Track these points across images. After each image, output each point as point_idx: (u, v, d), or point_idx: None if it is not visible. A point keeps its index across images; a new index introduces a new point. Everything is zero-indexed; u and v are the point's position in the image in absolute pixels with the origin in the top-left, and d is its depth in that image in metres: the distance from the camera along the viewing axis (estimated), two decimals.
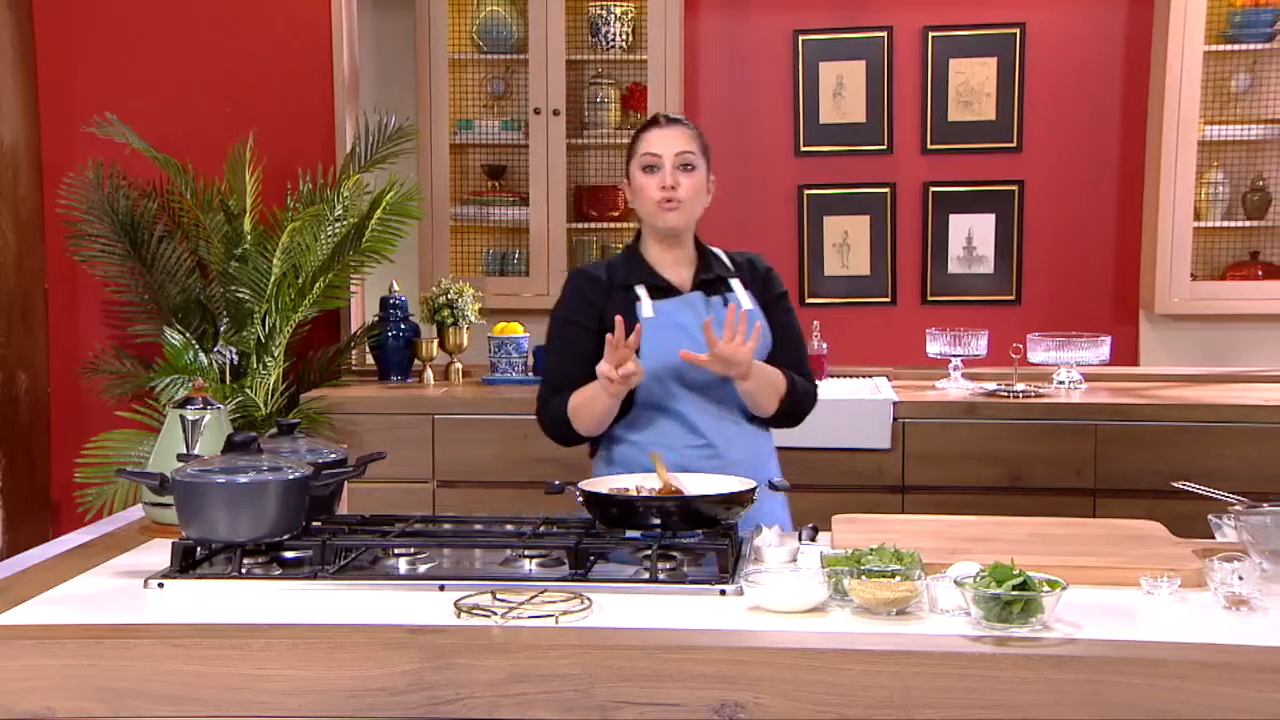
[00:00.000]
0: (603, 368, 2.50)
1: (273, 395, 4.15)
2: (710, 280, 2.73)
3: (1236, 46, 4.40)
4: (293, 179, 4.34)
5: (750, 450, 2.72)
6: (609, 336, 2.49)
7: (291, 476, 2.19)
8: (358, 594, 2.09)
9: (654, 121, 2.73)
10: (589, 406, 2.62)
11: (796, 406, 2.73)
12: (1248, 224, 4.49)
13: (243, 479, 2.16)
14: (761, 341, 2.66)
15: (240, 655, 1.86)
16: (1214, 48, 4.39)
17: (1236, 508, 2.24)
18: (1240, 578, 1.99)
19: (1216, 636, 1.87)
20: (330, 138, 4.54)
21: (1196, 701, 1.73)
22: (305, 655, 1.85)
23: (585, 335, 2.68)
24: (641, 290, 2.70)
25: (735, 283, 2.74)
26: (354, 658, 1.85)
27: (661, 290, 2.71)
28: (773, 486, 2.46)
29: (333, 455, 2.43)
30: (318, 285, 4.16)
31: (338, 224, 4.22)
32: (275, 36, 4.53)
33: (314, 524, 2.33)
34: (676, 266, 2.73)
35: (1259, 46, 4.39)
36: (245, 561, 2.18)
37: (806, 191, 4.80)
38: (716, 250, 2.80)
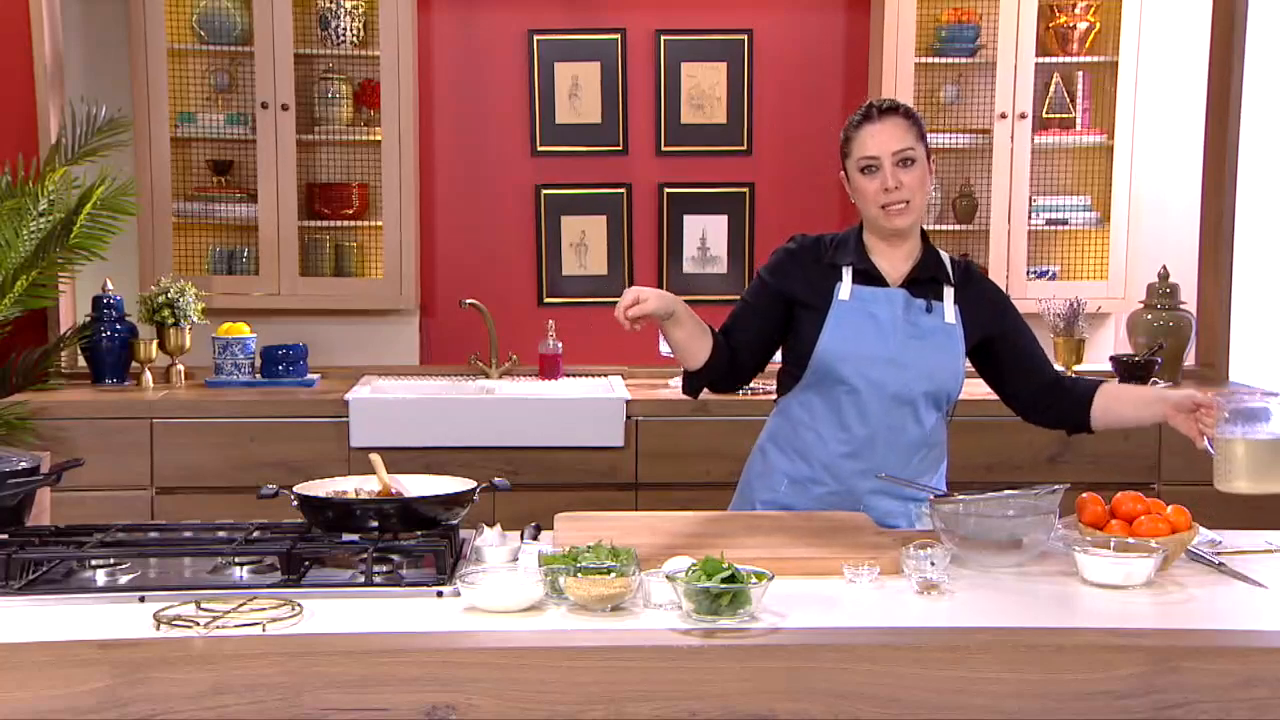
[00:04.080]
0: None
1: None
2: (924, 280, 2.60)
3: (944, 59, 4.66)
4: None
5: (903, 456, 2.60)
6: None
7: None
8: (47, 609, 1.98)
9: (866, 115, 2.55)
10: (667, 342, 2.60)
11: None
12: (958, 227, 4.75)
13: None
14: (948, 353, 2.59)
15: None
16: (924, 59, 4.63)
17: (931, 498, 2.36)
18: (932, 563, 2.10)
19: (906, 620, 1.97)
20: (32, 128, 4.27)
21: (884, 681, 1.82)
22: None
23: (769, 298, 2.63)
24: (848, 272, 2.59)
25: (949, 291, 2.61)
26: (34, 676, 1.74)
27: (869, 277, 2.60)
28: (493, 487, 2.44)
29: (23, 463, 2.28)
30: (20, 284, 3.91)
31: (42, 219, 3.98)
32: None
33: (0, 537, 2.18)
34: (894, 257, 2.61)
35: (963, 60, 4.65)
36: None
37: (544, 191, 4.81)
38: (942, 253, 2.67)
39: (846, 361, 2.57)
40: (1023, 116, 4.58)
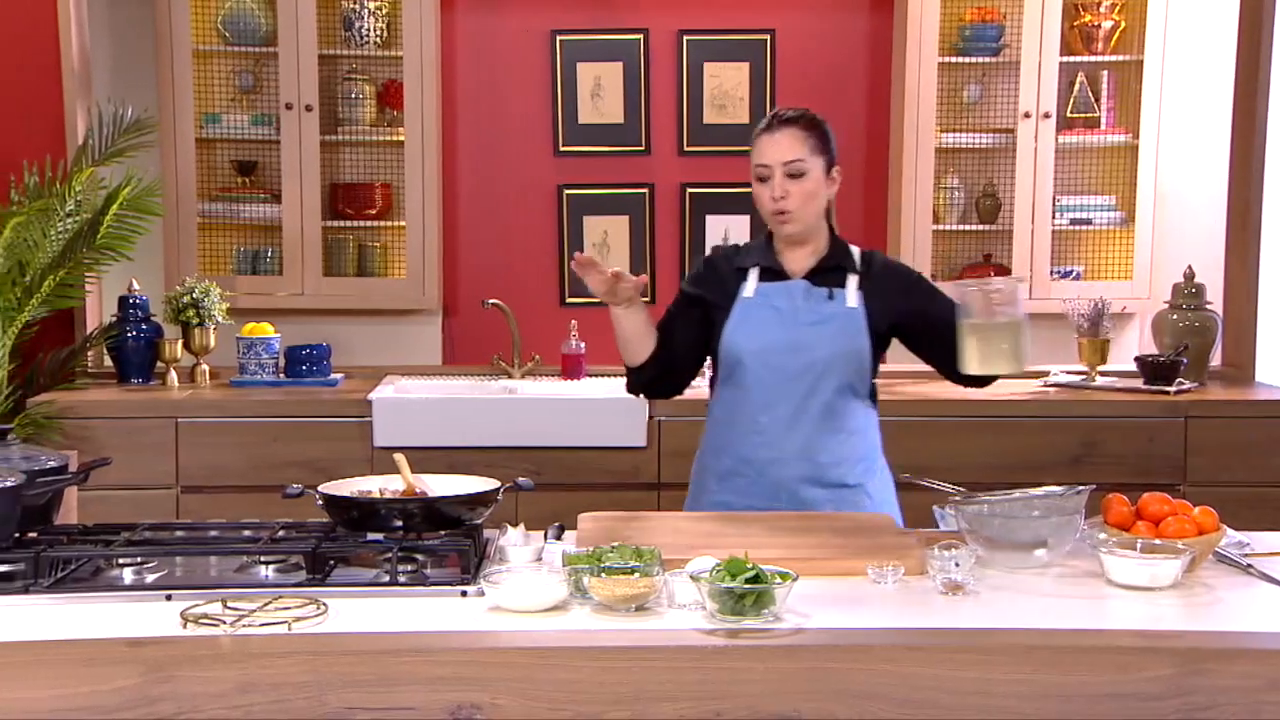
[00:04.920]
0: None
1: None
2: (825, 270, 2.67)
3: (967, 59, 4.64)
4: (16, 171, 4.09)
5: (813, 441, 2.66)
6: (577, 256, 2.58)
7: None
8: (76, 608, 1.98)
9: (768, 125, 2.64)
10: (615, 332, 2.69)
11: None
12: (981, 227, 4.74)
13: None
14: (849, 336, 2.63)
15: None
16: (947, 59, 4.62)
17: (955, 498, 2.35)
18: (957, 564, 2.09)
19: (930, 621, 1.96)
20: (59, 128, 4.30)
21: (909, 683, 1.81)
22: (3, 675, 1.74)
23: (689, 306, 2.74)
24: (754, 272, 2.69)
25: (852, 279, 2.67)
26: (63, 675, 1.75)
27: (775, 274, 2.68)
28: (516, 486, 2.45)
29: (51, 462, 2.29)
30: (47, 283, 3.94)
31: (70, 219, 4.01)
32: None
33: (29, 535, 2.20)
34: (799, 256, 2.69)
35: (987, 60, 4.64)
36: None
37: (566, 191, 4.82)
38: (853, 247, 2.73)
39: (750, 353, 2.66)
40: (1046, 116, 4.56)
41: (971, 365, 2.43)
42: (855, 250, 2.73)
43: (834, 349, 2.64)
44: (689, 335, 2.74)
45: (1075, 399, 4.15)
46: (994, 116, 4.70)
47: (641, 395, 2.84)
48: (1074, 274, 4.71)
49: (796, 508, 2.63)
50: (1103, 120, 4.67)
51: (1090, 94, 4.66)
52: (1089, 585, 2.14)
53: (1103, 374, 4.37)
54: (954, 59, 4.63)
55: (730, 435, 2.72)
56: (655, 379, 2.76)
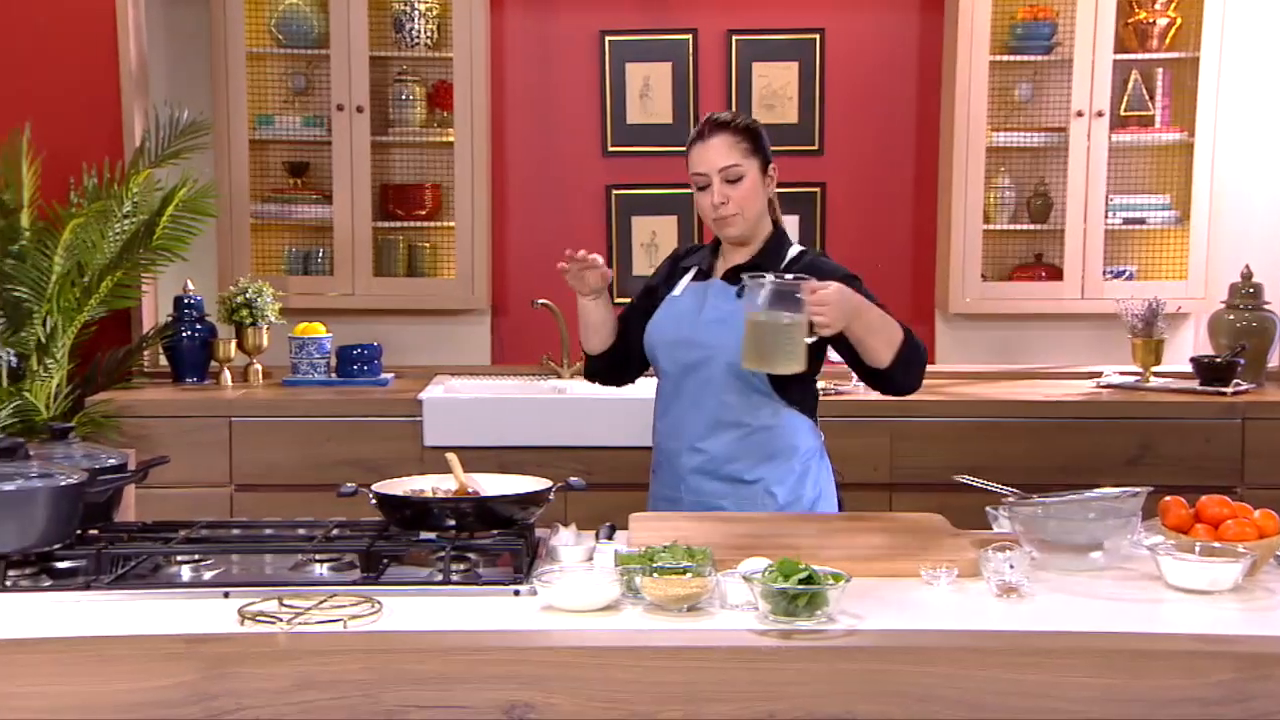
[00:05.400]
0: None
1: (55, 399, 3.96)
2: (741, 269, 2.65)
3: (1019, 57, 4.60)
4: (76, 173, 4.15)
5: (709, 434, 2.70)
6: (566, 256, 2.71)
7: (62, 483, 2.10)
8: (136, 604, 2.01)
9: (698, 133, 2.69)
10: (580, 319, 2.83)
11: (909, 359, 2.54)
12: (1032, 227, 4.69)
13: (7, 486, 2.05)
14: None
15: None
16: (999, 58, 4.58)
17: (1010, 499, 2.33)
18: (1011, 566, 2.07)
19: (985, 624, 1.95)
20: (117, 131, 4.37)
21: (965, 685, 1.80)
22: (67, 670, 1.77)
23: (644, 300, 2.86)
24: (690, 273, 2.80)
25: (769, 276, 2.62)
26: (125, 670, 1.78)
27: (707, 275, 2.78)
28: (568, 486, 2.46)
29: (111, 460, 2.33)
30: (105, 284, 3.99)
31: (127, 220, 4.06)
32: (54, 23, 4.32)
33: (90, 532, 2.23)
34: (739, 256, 2.74)
35: (1039, 58, 4.59)
36: (11, 574, 2.08)
37: (615, 192, 4.82)
38: (794, 248, 2.76)
39: (659, 347, 2.78)
40: (1100, 114, 4.51)
41: (748, 361, 2.43)
42: (793, 250, 2.75)
43: (729, 345, 2.63)
44: (639, 329, 2.83)
45: (1129, 400, 4.11)
46: (1046, 115, 4.65)
47: (596, 382, 2.97)
48: (1127, 274, 4.66)
49: (694, 497, 2.73)
50: (1157, 118, 4.61)
51: (1145, 92, 4.60)
52: (1146, 588, 2.12)
53: (1157, 375, 4.32)
54: (1005, 57, 4.59)
55: (657, 425, 2.85)
56: (609, 368, 2.90)
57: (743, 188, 2.66)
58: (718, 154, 2.65)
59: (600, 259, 2.72)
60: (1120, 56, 4.54)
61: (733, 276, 2.70)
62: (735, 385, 2.69)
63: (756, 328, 2.39)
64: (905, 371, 2.56)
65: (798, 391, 2.73)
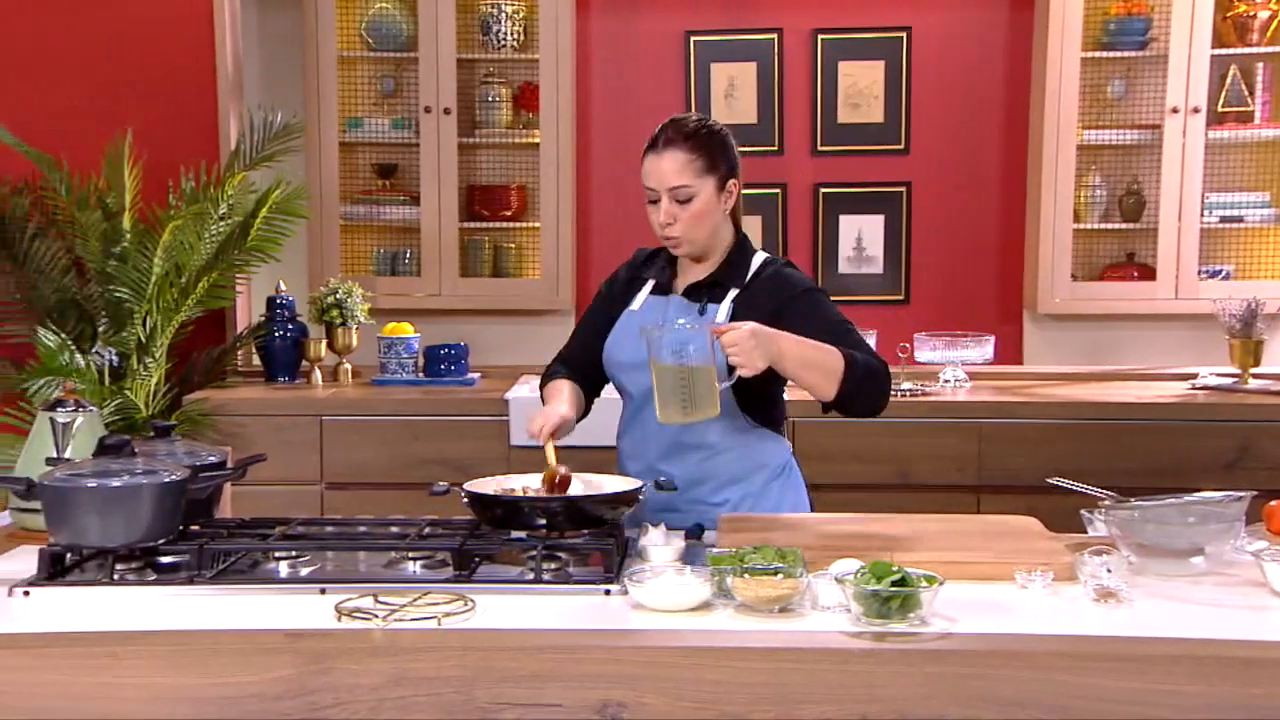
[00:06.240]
0: (531, 429, 2.56)
1: (154, 397, 4.06)
2: (707, 286, 2.61)
3: (1112, 53, 4.52)
4: (174, 176, 4.25)
5: (669, 455, 2.61)
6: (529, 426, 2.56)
7: (167, 479, 2.14)
8: (236, 599, 2.05)
9: (652, 143, 2.56)
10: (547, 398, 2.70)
11: (858, 387, 2.41)
12: (1124, 226, 4.61)
13: (115, 482, 2.11)
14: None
15: (104, 664, 1.81)
16: (1091, 54, 4.50)
17: (1106, 502, 2.29)
18: (1108, 570, 2.04)
19: (1083, 629, 1.91)
20: (213, 135, 4.46)
21: (1062, 690, 1.77)
22: (175, 662, 1.81)
23: (601, 309, 2.76)
24: (648, 285, 2.69)
25: (731, 293, 2.59)
26: (228, 664, 1.81)
27: (665, 289, 2.67)
28: (659, 486, 2.46)
29: (212, 458, 2.38)
30: (201, 285, 4.08)
31: (222, 223, 4.15)
32: (154, 31, 4.43)
33: (191, 528, 2.28)
34: (695, 271, 2.64)
35: (1133, 54, 4.51)
36: (118, 568, 2.13)
37: None
38: (758, 256, 2.64)
39: (619, 367, 2.67)
40: (1196, 111, 4.42)
41: (663, 414, 2.35)
42: (757, 260, 2.62)
43: None
44: (600, 344, 2.71)
45: (1226, 402, 4.03)
46: (1139, 112, 4.57)
47: None
48: (1223, 273, 4.56)
49: (657, 517, 2.53)
50: (1257, 114, 4.51)
51: (1244, 87, 4.50)
52: (1250, 595, 2.07)
53: (1255, 376, 4.22)
54: (1098, 53, 4.52)
55: (619, 443, 2.75)
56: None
57: (691, 209, 2.53)
58: (669, 171, 2.52)
59: (561, 418, 2.58)
60: (1218, 51, 4.44)
61: (693, 293, 2.61)
62: None
63: (664, 378, 2.33)
64: (855, 400, 2.43)
65: (763, 411, 2.63)
